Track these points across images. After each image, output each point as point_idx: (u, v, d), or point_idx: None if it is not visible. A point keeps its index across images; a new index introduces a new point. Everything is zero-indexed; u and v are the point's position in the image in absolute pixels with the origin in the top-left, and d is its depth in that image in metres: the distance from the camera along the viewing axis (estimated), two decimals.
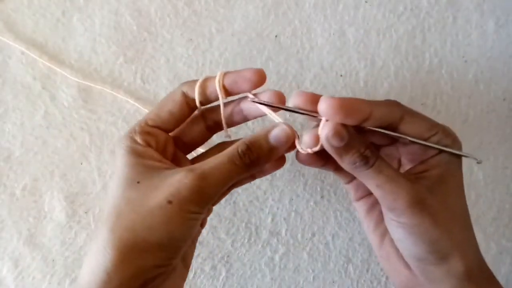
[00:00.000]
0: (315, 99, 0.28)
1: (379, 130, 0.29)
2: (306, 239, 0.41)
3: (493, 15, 0.44)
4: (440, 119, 0.43)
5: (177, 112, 0.31)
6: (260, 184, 0.40)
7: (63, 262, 0.38)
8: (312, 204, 0.41)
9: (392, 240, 0.31)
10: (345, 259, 0.41)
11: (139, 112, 0.40)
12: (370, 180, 0.28)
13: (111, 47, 0.40)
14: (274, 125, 0.29)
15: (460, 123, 0.43)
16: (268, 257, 0.40)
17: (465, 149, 0.44)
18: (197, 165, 0.28)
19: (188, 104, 0.31)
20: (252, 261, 0.40)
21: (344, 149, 0.28)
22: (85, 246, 0.39)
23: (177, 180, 0.26)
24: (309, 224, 0.41)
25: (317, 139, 0.29)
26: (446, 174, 0.29)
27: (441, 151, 0.29)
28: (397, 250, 0.31)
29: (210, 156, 0.29)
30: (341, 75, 0.42)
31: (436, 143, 0.29)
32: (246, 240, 0.40)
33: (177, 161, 0.32)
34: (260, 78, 0.30)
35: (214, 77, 0.30)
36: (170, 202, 0.26)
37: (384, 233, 0.33)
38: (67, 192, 0.39)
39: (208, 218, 0.40)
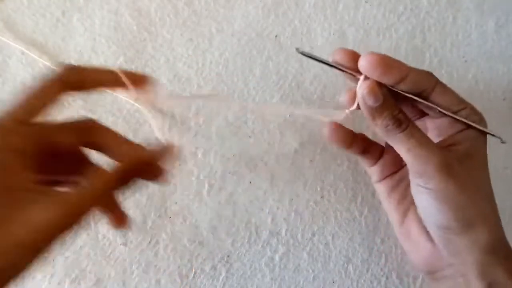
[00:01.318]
0: (355, 57, 0.29)
1: (412, 97, 0.30)
2: (306, 239, 0.41)
3: (493, 15, 0.44)
4: None
5: (50, 102, 0.27)
6: (260, 184, 0.40)
7: (63, 262, 0.38)
8: (312, 204, 0.41)
9: (415, 215, 0.33)
10: (345, 259, 0.41)
11: (139, 112, 0.40)
12: (401, 143, 0.29)
13: (111, 47, 0.40)
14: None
15: None
16: (268, 257, 0.40)
17: None
18: (61, 195, 0.23)
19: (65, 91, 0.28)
20: (252, 261, 0.40)
21: (379, 109, 0.29)
22: (85, 246, 0.39)
23: (35, 218, 0.22)
24: (309, 224, 0.41)
25: (354, 98, 0.30)
26: (472, 149, 0.30)
27: (468, 126, 0.30)
28: (420, 224, 0.32)
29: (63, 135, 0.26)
30: (341, 75, 0.42)
31: (465, 118, 0.30)
32: (246, 240, 0.40)
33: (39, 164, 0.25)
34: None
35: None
36: (22, 245, 0.21)
37: (407, 210, 0.34)
38: None
39: (208, 218, 0.40)
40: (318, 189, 0.41)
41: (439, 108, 0.30)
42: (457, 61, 0.43)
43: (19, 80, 0.39)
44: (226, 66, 0.41)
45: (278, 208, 0.41)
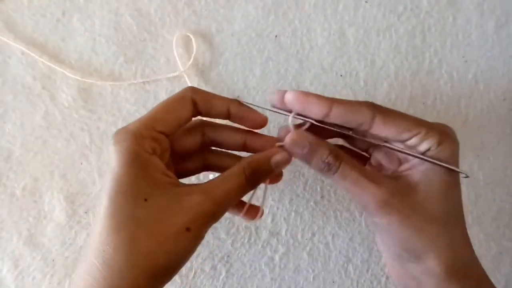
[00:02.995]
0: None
1: (346, 132, 0.30)
2: (306, 239, 0.41)
3: (493, 15, 0.44)
4: (440, 119, 0.43)
5: (184, 121, 0.30)
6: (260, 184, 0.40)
7: (63, 262, 0.38)
8: (312, 204, 0.41)
9: None
10: (345, 259, 0.41)
11: (139, 112, 0.40)
12: (339, 184, 0.30)
13: (111, 47, 0.40)
14: (275, 151, 0.30)
15: (460, 123, 0.43)
16: (268, 257, 0.40)
17: (465, 149, 0.44)
18: (209, 188, 0.28)
19: (194, 114, 0.31)
20: (252, 261, 0.40)
21: (308, 156, 0.29)
22: (85, 246, 0.39)
23: (193, 206, 0.26)
24: (309, 224, 0.41)
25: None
26: (425, 176, 0.29)
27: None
28: None
29: (190, 137, 0.31)
30: (341, 75, 0.42)
31: (417, 145, 0.29)
32: (246, 240, 0.40)
33: (169, 167, 0.31)
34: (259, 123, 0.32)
35: (223, 98, 0.31)
36: (188, 229, 0.25)
37: None
38: (67, 192, 0.39)
39: None
40: (318, 189, 0.41)
41: (380, 143, 0.29)
42: (457, 61, 0.43)
43: (19, 80, 0.39)
44: (226, 66, 0.41)
45: (278, 208, 0.41)
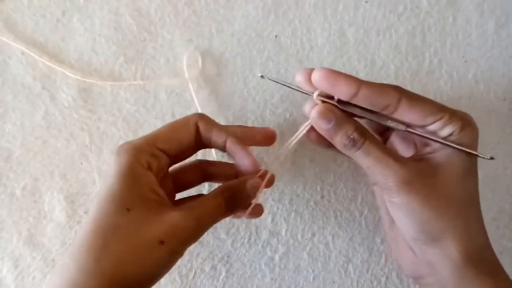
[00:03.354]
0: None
1: (365, 116, 0.30)
2: (306, 239, 0.41)
3: (493, 15, 0.44)
4: None
5: (186, 144, 0.31)
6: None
7: None
8: (312, 204, 0.41)
9: None
10: (345, 259, 0.41)
11: (139, 112, 0.40)
12: (360, 161, 0.30)
13: (111, 47, 0.40)
14: (250, 176, 0.31)
15: None
16: (268, 257, 0.40)
17: None
18: (189, 205, 0.28)
19: (197, 139, 0.31)
20: (252, 261, 0.40)
21: (332, 131, 0.29)
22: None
23: (170, 220, 0.26)
24: (309, 224, 0.41)
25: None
26: (446, 160, 0.29)
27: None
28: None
29: (191, 175, 0.33)
30: None
31: (440, 129, 0.29)
32: (246, 240, 0.40)
33: (169, 192, 0.32)
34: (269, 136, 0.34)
35: (228, 130, 0.32)
36: (162, 242, 0.25)
37: None
38: (67, 192, 0.39)
39: None
40: (318, 189, 0.41)
41: (402, 128, 0.29)
42: (457, 61, 0.43)
43: (19, 80, 0.39)
44: (226, 66, 0.41)
45: (278, 208, 0.41)
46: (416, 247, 0.31)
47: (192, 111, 0.40)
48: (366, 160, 0.29)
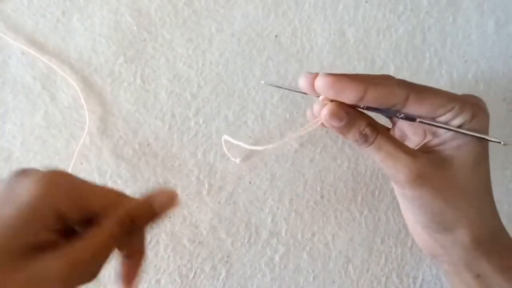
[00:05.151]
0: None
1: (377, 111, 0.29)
2: (306, 239, 0.41)
3: (493, 15, 0.44)
4: None
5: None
6: (260, 184, 0.40)
7: None
8: (312, 204, 0.41)
9: None
10: (345, 259, 0.41)
11: (139, 112, 0.40)
12: (373, 155, 0.30)
13: (111, 47, 0.40)
14: (157, 193, 0.28)
15: None
16: (268, 257, 0.40)
17: None
18: (68, 246, 0.23)
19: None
20: (252, 261, 0.40)
21: (344, 128, 0.29)
22: None
23: (41, 268, 0.22)
24: (309, 224, 0.41)
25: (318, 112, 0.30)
26: (457, 151, 0.29)
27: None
28: None
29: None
30: None
31: (451, 120, 0.29)
32: (246, 240, 0.40)
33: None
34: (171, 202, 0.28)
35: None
36: None
37: None
38: None
39: (208, 218, 0.40)
40: (318, 189, 0.41)
41: (413, 121, 0.29)
42: (457, 61, 0.43)
43: (19, 80, 0.39)
44: (226, 66, 0.41)
45: (278, 208, 0.41)
46: (428, 234, 0.31)
47: (192, 110, 0.40)
48: (379, 154, 0.29)
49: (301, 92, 0.30)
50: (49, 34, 0.40)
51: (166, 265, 0.39)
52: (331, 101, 0.29)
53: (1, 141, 0.39)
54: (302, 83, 0.29)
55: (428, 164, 0.29)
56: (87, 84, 0.40)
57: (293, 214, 0.41)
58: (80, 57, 0.40)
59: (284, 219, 0.41)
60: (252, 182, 0.40)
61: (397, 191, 0.31)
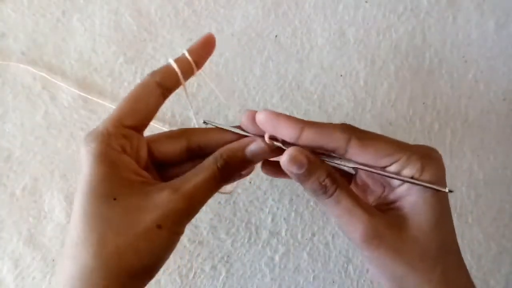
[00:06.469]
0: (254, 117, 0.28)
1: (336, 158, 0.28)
2: (306, 239, 0.41)
3: (493, 15, 0.44)
4: (440, 119, 0.43)
5: (153, 107, 0.28)
6: (260, 184, 0.40)
7: None
8: (312, 204, 0.41)
9: None
10: (345, 259, 0.41)
11: None
12: (329, 209, 0.28)
13: (111, 47, 0.40)
14: (251, 140, 0.28)
15: (460, 123, 0.43)
16: (268, 257, 0.40)
17: (465, 149, 0.44)
18: (179, 183, 0.26)
19: (164, 96, 0.29)
20: (252, 261, 0.40)
21: (303, 176, 0.27)
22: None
23: (163, 203, 0.25)
24: (309, 224, 0.41)
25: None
26: (414, 209, 0.27)
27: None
28: None
29: (173, 142, 0.29)
30: (341, 75, 0.42)
31: (400, 170, 0.27)
32: (246, 240, 0.40)
33: (148, 169, 0.29)
34: (211, 41, 0.30)
35: (180, 58, 0.29)
36: (159, 226, 0.24)
37: None
38: (67, 192, 0.39)
39: (208, 218, 0.40)
40: None
41: (355, 166, 0.27)
42: (457, 61, 0.43)
43: (19, 80, 0.39)
44: (226, 66, 0.41)
45: (278, 208, 0.41)
46: None
47: (192, 110, 0.40)
48: (336, 209, 0.27)
49: (245, 134, 0.29)
50: (49, 34, 0.40)
51: (166, 265, 0.39)
52: (270, 140, 0.28)
53: (1, 141, 0.39)
54: (244, 119, 0.28)
55: (386, 224, 0.27)
56: (87, 84, 0.40)
57: (293, 214, 0.41)
58: (80, 57, 0.40)
59: (284, 219, 0.41)
60: (252, 182, 0.40)
61: (360, 253, 0.29)
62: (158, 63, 0.41)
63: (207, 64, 0.41)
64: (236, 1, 0.42)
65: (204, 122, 0.30)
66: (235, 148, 0.28)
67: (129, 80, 0.40)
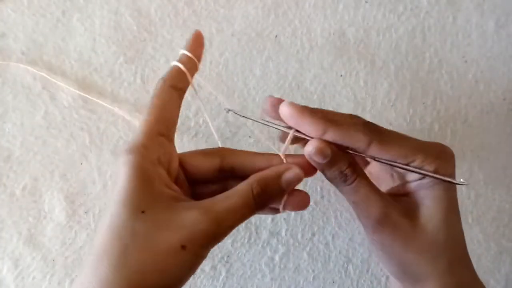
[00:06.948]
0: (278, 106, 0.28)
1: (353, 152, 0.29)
2: (306, 239, 0.41)
3: (493, 15, 0.44)
4: (440, 119, 0.43)
5: (177, 111, 0.29)
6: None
7: (63, 262, 0.38)
8: (312, 204, 0.41)
9: None
10: (345, 259, 0.41)
11: (139, 112, 0.40)
12: (347, 195, 0.29)
13: (111, 47, 0.40)
14: (287, 168, 0.28)
15: (460, 123, 0.43)
16: (268, 257, 0.40)
17: (465, 149, 0.44)
18: (209, 204, 0.25)
19: (180, 98, 0.29)
20: (252, 261, 0.40)
21: (326, 165, 0.28)
22: (85, 246, 0.39)
23: (191, 223, 0.24)
24: (309, 224, 0.41)
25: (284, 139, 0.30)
26: (427, 200, 0.29)
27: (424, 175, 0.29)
28: None
29: (207, 159, 0.29)
30: (341, 75, 0.42)
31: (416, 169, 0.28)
32: (246, 240, 0.40)
33: (179, 183, 0.29)
34: (200, 36, 0.30)
35: (182, 58, 0.30)
36: (184, 247, 0.24)
37: None
38: (67, 192, 0.39)
39: None
40: (318, 189, 0.41)
41: (381, 160, 0.29)
42: (457, 61, 0.43)
43: (19, 80, 0.39)
44: (226, 66, 0.41)
45: None
46: (399, 281, 0.31)
47: (192, 110, 0.41)
48: (354, 196, 0.29)
49: (273, 126, 0.30)
50: (49, 34, 0.40)
51: None
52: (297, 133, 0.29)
53: (1, 141, 0.39)
54: (266, 107, 0.29)
55: (400, 212, 0.29)
56: (87, 84, 0.40)
57: (293, 214, 0.41)
58: (80, 57, 0.40)
59: (284, 219, 0.41)
60: None
61: (369, 238, 0.30)
62: (158, 63, 0.41)
63: (207, 64, 0.41)
64: (236, 1, 0.42)
65: (229, 111, 0.30)
66: (272, 175, 0.28)
67: (129, 80, 0.40)
